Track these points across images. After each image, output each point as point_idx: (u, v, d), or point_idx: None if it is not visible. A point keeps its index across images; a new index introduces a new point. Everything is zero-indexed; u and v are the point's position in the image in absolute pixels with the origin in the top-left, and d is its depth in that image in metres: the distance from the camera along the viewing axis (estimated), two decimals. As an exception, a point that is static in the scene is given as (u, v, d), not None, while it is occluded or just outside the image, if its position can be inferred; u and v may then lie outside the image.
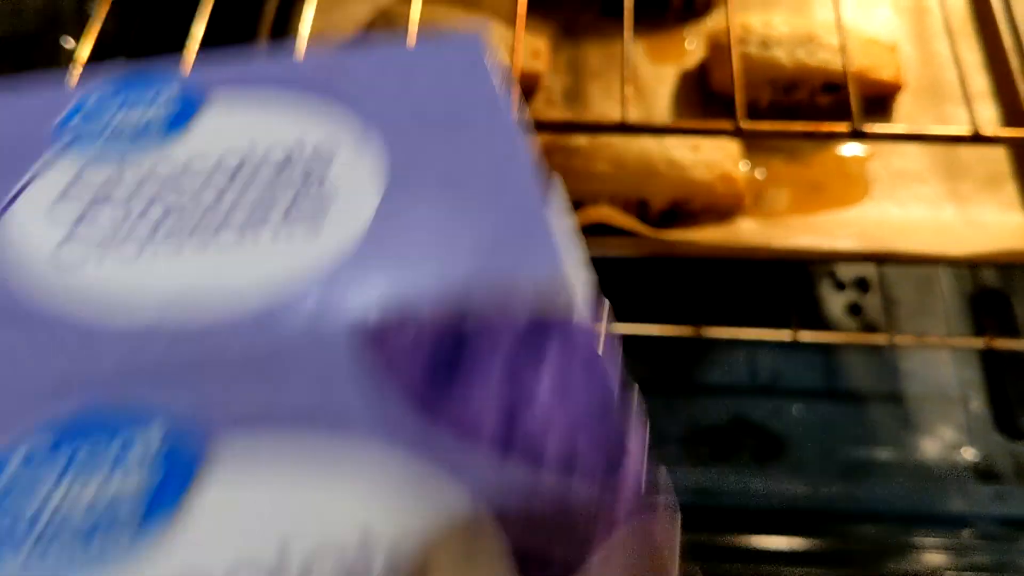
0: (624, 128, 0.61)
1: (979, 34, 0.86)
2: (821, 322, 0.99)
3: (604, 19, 0.99)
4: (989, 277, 0.96)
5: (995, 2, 0.85)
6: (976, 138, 0.58)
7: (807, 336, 0.75)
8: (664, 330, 0.78)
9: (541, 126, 0.64)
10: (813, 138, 0.60)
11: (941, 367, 0.93)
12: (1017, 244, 0.71)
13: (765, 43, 0.85)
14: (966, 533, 0.77)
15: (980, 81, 0.83)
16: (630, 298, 0.93)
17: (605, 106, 0.60)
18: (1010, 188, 0.79)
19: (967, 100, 0.59)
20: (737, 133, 0.60)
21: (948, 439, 0.86)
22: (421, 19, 0.90)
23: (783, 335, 0.75)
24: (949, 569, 0.74)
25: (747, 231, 0.79)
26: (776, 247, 0.71)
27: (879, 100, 0.86)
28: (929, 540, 0.76)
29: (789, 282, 0.80)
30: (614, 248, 0.76)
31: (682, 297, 0.80)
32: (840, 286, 1.00)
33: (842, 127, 0.59)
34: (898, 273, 0.94)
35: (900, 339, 0.74)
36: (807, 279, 1.00)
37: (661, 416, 0.85)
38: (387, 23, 0.88)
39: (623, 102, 0.62)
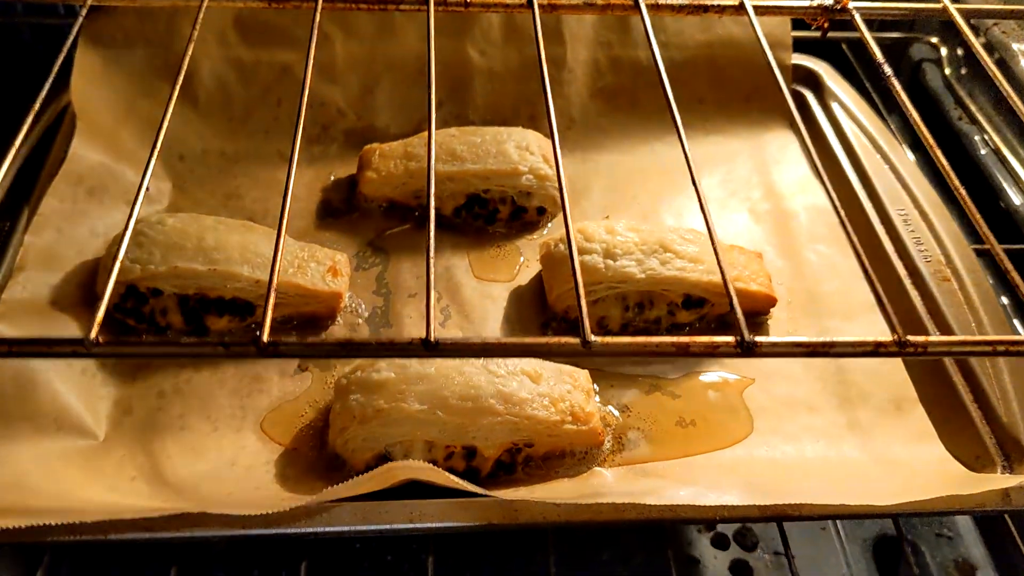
0: (430, 347, 0.43)
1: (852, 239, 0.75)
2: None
3: (420, 232, 0.83)
4: (888, 523, 0.80)
5: (866, 203, 0.74)
6: (902, 348, 0.43)
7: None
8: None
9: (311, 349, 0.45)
10: (690, 355, 0.43)
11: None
12: (949, 487, 0.54)
13: (610, 253, 0.70)
14: None
15: (861, 292, 0.70)
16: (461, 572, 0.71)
17: (422, 330, 0.42)
18: (918, 413, 0.64)
19: (886, 310, 0.44)
20: (587, 350, 0.43)
21: None
22: (186, 232, 0.71)
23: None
24: None
25: (608, 487, 0.60)
26: (649, 504, 0.52)
27: (750, 317, 0.72)
28: None
29: (659, 542, 0.61)
30: (433, 517, 0.55)
31: (528, 566, 0.59)
32: (722, 544, 0.81)
33: (726, 341, 0.43)
34: (787, 523, 0.76)
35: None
36: (680, 536, 0.81)
37: None
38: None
39: (429, 318, 0.44)
